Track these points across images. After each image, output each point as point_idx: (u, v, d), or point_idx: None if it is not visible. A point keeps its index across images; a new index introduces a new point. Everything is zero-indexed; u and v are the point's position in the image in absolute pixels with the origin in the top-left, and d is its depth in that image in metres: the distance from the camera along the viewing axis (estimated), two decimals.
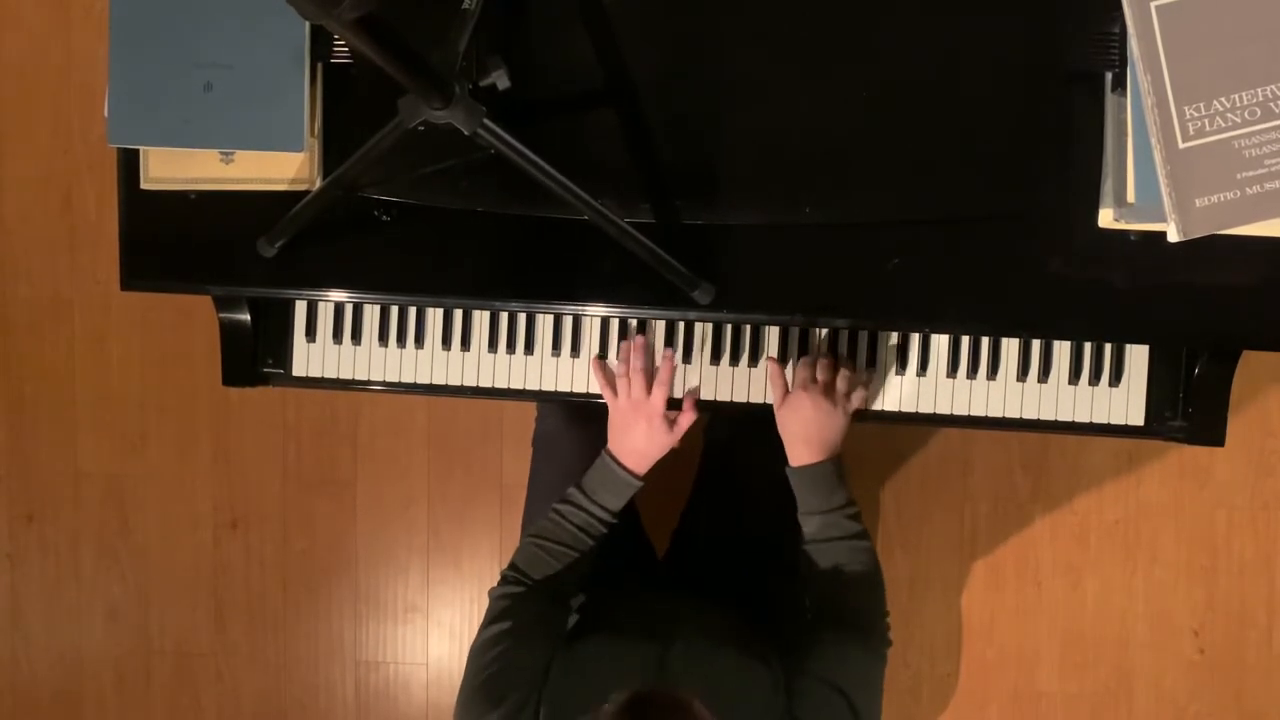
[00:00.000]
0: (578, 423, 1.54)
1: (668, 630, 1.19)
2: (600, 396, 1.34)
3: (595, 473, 1.29)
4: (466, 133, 1.04)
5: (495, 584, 1.26)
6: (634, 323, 1.35)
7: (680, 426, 1.29)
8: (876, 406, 1.35)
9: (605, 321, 1.36)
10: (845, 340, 1.35)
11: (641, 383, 1.27)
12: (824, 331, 1.35)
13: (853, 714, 1.10)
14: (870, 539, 1.28)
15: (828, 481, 1.25)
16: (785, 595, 1.54)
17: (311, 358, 1.41)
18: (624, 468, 1.27)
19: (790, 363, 1.34)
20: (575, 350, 1.37)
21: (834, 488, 1.25)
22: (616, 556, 1.53)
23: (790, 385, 1.29)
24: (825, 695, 1.11)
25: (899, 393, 1.35)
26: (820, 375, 1.26)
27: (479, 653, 1.17)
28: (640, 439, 1.27)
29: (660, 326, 1.35)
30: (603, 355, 1.36)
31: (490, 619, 1.20)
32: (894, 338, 1.34)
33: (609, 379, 1.31)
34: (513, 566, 1.26)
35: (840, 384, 1.26)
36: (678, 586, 1.49)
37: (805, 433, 1.25)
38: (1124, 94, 1.14)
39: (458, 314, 1.39)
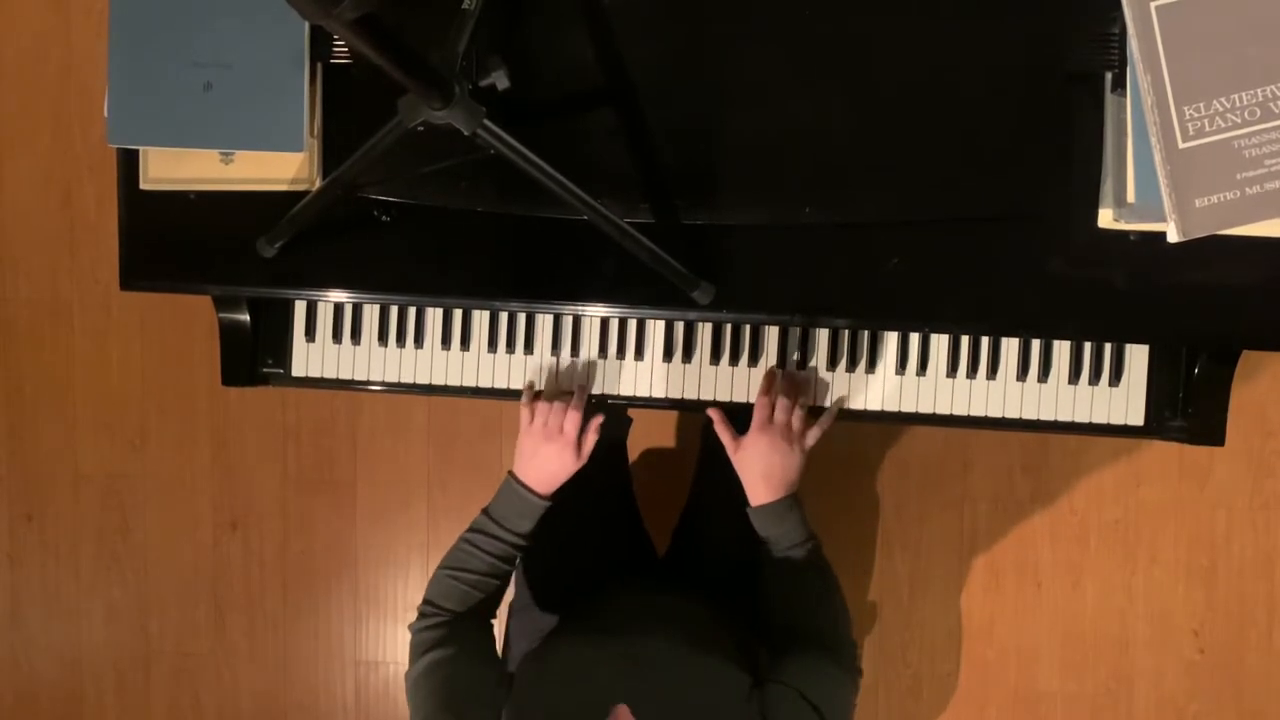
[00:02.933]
0: None
1: (645, 629, 1.19)
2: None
3: (502, 500, 1.29)
4: (466, 133, 1.03)
5: (414, 620, 1.24)
6: (634, 322, 1.36)
7: (586, 448, 1.29)
8: (877, 407, 1.35)
9: (605, 321, 1.36)
10: (845, 340, 1.35)
11: (560, 412, 1.28)
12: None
13: None
14: (833, 572, 1.28)
15: (787, 518, 1.26)
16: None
17: (311, 358, 1.41)
18: (531, 491, 1.27)
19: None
20: (575, 350, 1.37)
21: (795, 524, 1.26)
22: (616, 555, 1.53)
23: (736, 431, 1.30)
24: (796, 706, 1.10)
25: (899, 393, 1.35)
26: (778, 415, 1.27)
27: (422, 681, 1.15)
28: (550, 463, 1.27)
29: (659, 326, 1.35)
30: (604, 353, 1.36)
31: (421, 651, 1.18)
32: (894, 338, 1.34)
33: (530, 400, 1.32)
34: (429, 602, 1.25)
35: (796, 423, 1.28)
36: (676, 585, 1.49)
37: (765, 471, 1.26)
38: (1124, 94, 1.14)
39: (458, 314, 1.39)
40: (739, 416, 1.46)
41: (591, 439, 1.30)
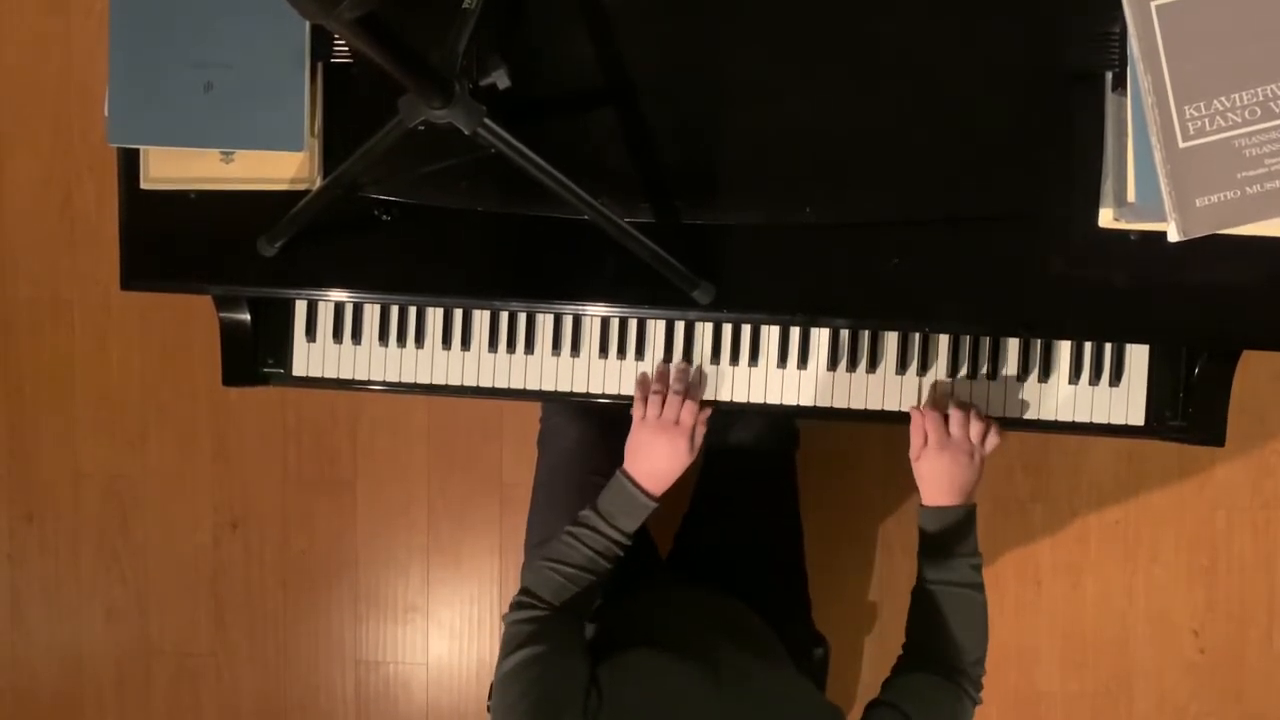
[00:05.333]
0: (583, 421, 1.53)
1: (708, 640, 1.17)
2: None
3: (610, 495, 1.26)
4: (466, 132, 1.04)
5: (508, 610, 1.22)
6: (634, 322, 1.36)
7: (697, 444, 1.28)
8: (877, 406, 1.35)
9: (605, 321, 1.36)
10: (845, 340, 1.35)
11: (676, 404, 1.27)
12: (825, 334, 1.35)
13: None
14: (984, 594, 1.26)
15: (960, 527, 1.23)
16: (782, 596, 1.54)
17: (311, 358, 1.41)
18: (641, 489, 1.25)
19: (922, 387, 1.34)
20: (575, 350, 1.37)
21: (965, 534, 1.24)
22: (622, 558, 1.53)
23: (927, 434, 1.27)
24: (890, 717, 1.10)
25: (899, 393, 1.35)
26: (954, 430, 1.24)
27: (514, 677, 1.11)
28: (662, 459, 1.25)
29: (659, 326, 1.35)
30: (604, 353, 1.36)
31: (515, 645, 1.14)
32: (894, 337, 1.34)
33: (644, 394, 1.30)
34: (526, 591, 1.22)
35: (974, 434, 1.25)
36: (681, 588, 1.49)
37: (943, 483, 1.23)
38: (1124, 94, 1.14)
39: (458, 314, 1.39)
40: (739, 416, 1.45)
41: (701, 433, 1.28)
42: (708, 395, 1.35)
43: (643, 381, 1.33)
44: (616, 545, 1.25)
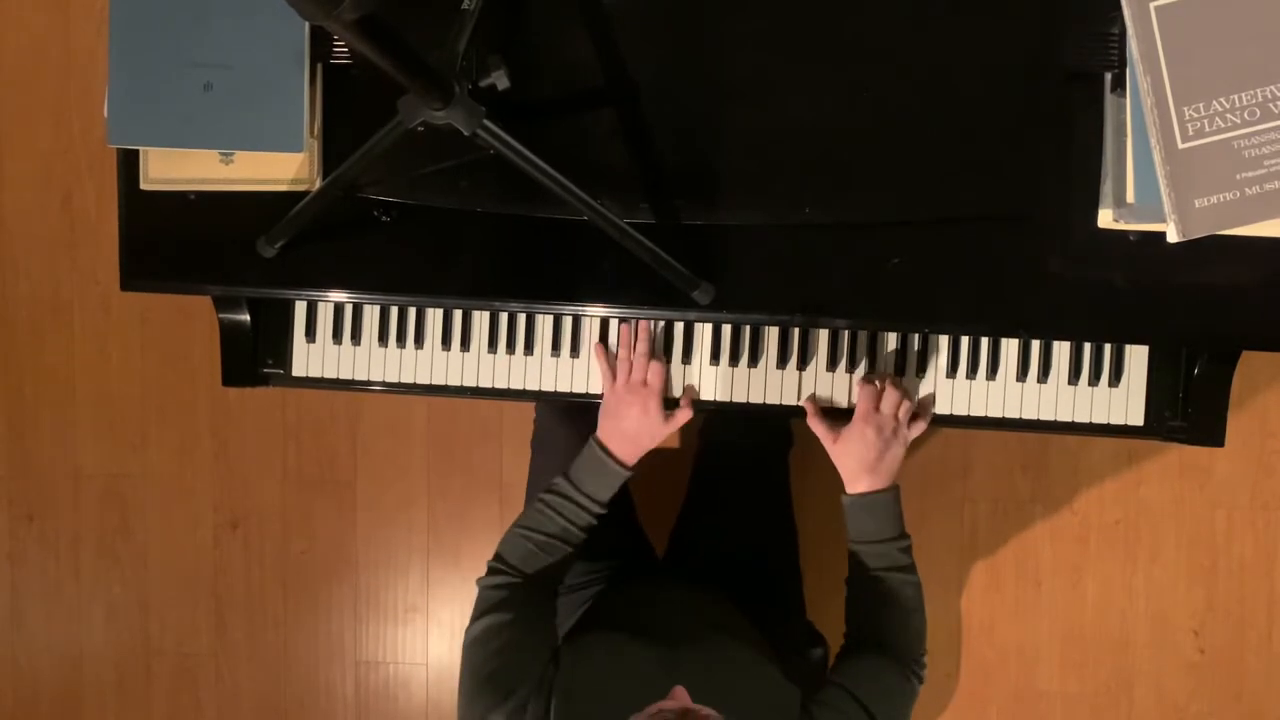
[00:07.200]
0: (576, 422, 1.53)
1: (678, 629, 1.18)
2: (598, 396, 1.34)
3: (583, 461, 1.27)
4: (466, 133, 1.04)
5: (483, 574, 1.24)
6: (633, 322, 1.35)
7: (676, 420, 1.28)
8: None
9: (605, 321, 1.36)
10: (845, 340, 1.35)
11: (643, 366, 1.26)
12: (830, 334, 1.35)
13: None
14: (917, 574, 1.27)
15: (886, 510, 1.24)
16: (776, 595, 1.54)
17: (311, 358, 1.41)
18: (613, 456, 1.25)
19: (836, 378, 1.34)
20: (575, 350, 1.37)
21: (891, 518, 1.24)
22: (616, 556, 1.53)
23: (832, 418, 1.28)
24: (845, 704, 1.11)
25: None
26: (884, 406, 1.25)
27: (479, 643, 1.14)
28: (633, 424, 1.25)
29: (659, 327, 1.35)
30: (584, 353, 1.36)
31: (484, 609, 1.18)
32: (894, 338, 1.34)
33: (610, 362, 1.31)
34: (499, 558, 1.24)
35: (902, 413, 1.26)
36: (677, 585, 1.49)
37: (868, 461, 1.23)
38: (1124, 94, 1.14)
39: (458, 314, 1.39)
40: (732, 417, 1.45)
41: (685, 415, 1.28)
42: (705, 396, 1.35)
43: (604, 352, 1.32)
44: (589, 514, 1.25)
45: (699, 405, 1.34)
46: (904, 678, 1.21)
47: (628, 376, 1.27)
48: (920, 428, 1.28)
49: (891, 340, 1.34)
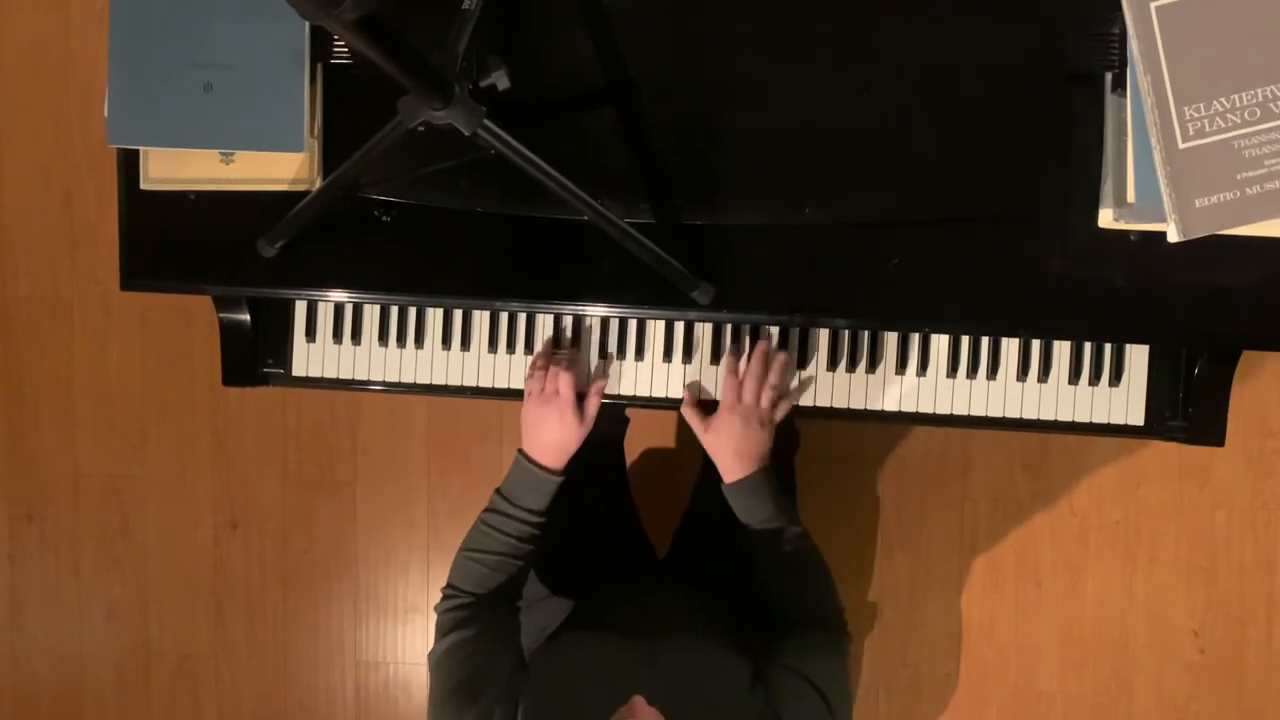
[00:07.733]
0: None
1: (655, 627, 1.19)
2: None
3: (513, 477, 1.28)
4: (466, 133, 1.04)
5: (439, 601, 1.25)
6: (634, 322, 1.36)
7: (589, 414, 1.29)
8: (877, 406, 1.35)
9: (605, 321, 1.36)
10: (845, 340, 1.35)
11: (553, 377, 1.29)
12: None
13: (827, 707, 1.10)
14: (813, 542, 1.29)
15: (763, 490, 1.26)
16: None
17: (311, 358, 1.41)
18: (541, 466, 1.27)
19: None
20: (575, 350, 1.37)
21: (770, 495, 1.27)
22: (615, 556, 1.53)
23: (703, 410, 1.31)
24: (800, 689, 1.11)
25: (899, 393, 1.35)
26: (746, 395, 1.28)
27: (444, 660, 1.16)
28: (553, 434, 1.27)
29: (659, 326, 1.35)
30: (604, 354, 1.36)
31: (445, 631, 1.19)
32: (894, 338, 1.34)
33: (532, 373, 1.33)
34: (451, 585, 1.25)
35: (764, 401, 1.28)
36: (675, 585, 1.49)
37: (737, 449, 1.26)
38: (1124, 94, 1.14)
39: (458, 314, 1.39)
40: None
41: (594, 403, 1.30)
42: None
43: (531, 361, 1.35)
44: (530, 526, 1.26)
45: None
46: (834, 643, 1.22)
47: (540, 389, 1.29)
48: (785, 409, 1.31)
49: (892, 340, 1.34)
